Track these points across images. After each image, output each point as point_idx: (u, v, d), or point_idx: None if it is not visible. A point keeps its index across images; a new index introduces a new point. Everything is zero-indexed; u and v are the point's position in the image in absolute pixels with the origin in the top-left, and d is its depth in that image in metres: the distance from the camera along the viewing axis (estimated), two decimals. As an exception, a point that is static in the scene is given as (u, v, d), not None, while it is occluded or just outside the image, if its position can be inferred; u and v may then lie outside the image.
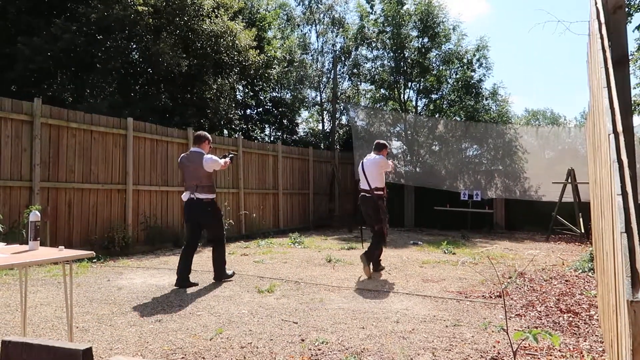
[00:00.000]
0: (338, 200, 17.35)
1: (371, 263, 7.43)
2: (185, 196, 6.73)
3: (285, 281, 6.97)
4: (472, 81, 18.70)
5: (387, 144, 7.75)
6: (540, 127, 19.22)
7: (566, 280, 7.09)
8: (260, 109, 20.20)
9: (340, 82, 21.09)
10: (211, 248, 7.13)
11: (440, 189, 16.91)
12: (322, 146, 21.05)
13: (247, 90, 19.39)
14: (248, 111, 20.01)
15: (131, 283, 6.80)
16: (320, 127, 23.41)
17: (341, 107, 21.18)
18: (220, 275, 6.97)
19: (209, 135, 6.96)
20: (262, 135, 20.88)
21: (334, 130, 19.53)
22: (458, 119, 19.26)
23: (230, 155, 7.18)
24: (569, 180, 13.30)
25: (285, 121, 20.43)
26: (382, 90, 20.13)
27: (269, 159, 14.74)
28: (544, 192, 15.28)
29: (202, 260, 8.92)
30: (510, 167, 16.44)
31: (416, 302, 5.84)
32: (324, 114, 22.21)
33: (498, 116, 19.41)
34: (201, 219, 6.74)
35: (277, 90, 20.63)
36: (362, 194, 7.55)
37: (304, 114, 26.18)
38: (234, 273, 7.33)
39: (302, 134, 22.77)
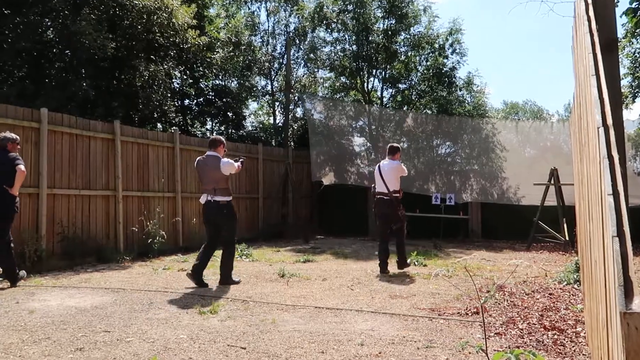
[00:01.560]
0: (292, 206, 17.35)
1: (398, 262, 9.30)
2: (203, 199, 8.10)
3: (231, 300, 6.92)
4: (445, 69, 19.07)
5: (400, 147, 9.73)
6: (520, 121, 19.80)
7: (550, 294, 7.29)
8: (201, 100, 19.96)
9: (294, 68, 21.11)
10: (221, 250, 8.32)
11: (409, 192, 17.16)
12: (273, 143, 21.05)
13: (185, 78, 19.11)
14: (186, 102, 19.75)
15: (45, 305, 6.59)
16: (271, 120, 23.39)
17: (295, 98, 21.19)
18: (226, 279, 8.13)
19: (223, 140, 8.32)
20: (203, 129, 20.69)
21: (287, 125, 19.52)
22: (429, 112, 19.62)
23: (241, 160, 8.51)
24: (552, 182, 13.73)
25: (230, 114, 20.27)
26: (343, 79, 20.30)
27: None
28: (524, 194, 15.75)
29: (168, 277, 8.73)
30: (487, 167, 16.86)
31: (383, 321, 5.88)
32: (276, 106, 22.16)
33: (473, 109, 19.88)
34: (218, 220, 8.07)
35: (220, 77, 20.43)
36: (379, 196, 9.30)
37: (253, 105, 26.15)
38: (240, 281, 8.37)
39: (250, 128, 22.71)
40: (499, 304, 6.71)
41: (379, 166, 9.38)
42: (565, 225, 13.33)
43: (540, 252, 13.13)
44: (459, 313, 6.25)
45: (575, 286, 7.76)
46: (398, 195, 9.26)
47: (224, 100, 19.99)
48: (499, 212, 16.51)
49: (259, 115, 25.79)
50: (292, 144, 20.18)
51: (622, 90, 15.48)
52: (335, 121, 18.65)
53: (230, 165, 8.05)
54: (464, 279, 8.55)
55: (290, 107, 20.38)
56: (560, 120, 41.21)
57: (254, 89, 21.50)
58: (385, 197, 9.28)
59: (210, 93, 20.20)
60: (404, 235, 9.34)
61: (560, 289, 7.69)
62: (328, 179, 18.07)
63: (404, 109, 19.53)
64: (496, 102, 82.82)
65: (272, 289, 7.77)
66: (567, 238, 13.18)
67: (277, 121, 22.25)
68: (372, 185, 9.63)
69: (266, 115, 25.19)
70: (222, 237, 8.21)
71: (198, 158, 8.28)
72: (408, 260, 9.64)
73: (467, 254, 12.47)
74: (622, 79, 16.16)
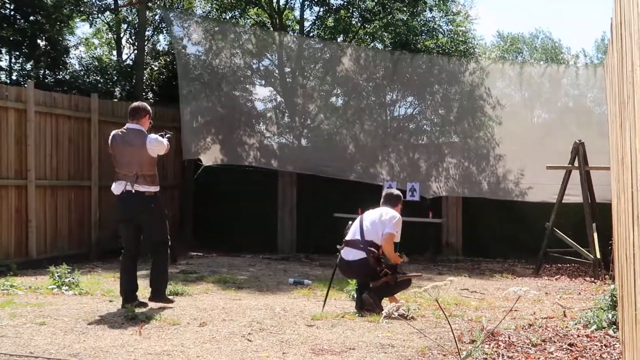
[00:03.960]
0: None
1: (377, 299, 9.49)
2: (118, 188, 9.08)
3: (40, 361, 6.74)
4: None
5: (401, 197, 10.46)
6: (525, 64, 20.29)
7: (570, 345, 7.47)
8: (-9, 17, 19.32)
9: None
10: (152, 256, 9.60)
11: (345, 179, 17.24)
12: (117, 93, 20.82)
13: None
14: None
15: None
16: (114, 56, 22.91)
17: (156, 18, 20.84)
18: (160, 294, 9.37)
19: (148, 107, 9.37)
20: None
21: (141, 64, 19.19)
22: (379, 46, 19.74)
23: (168, 136, 9.51)
24: (576, 164, 14.12)
25: (42, 42, 19.69)
26: (237, -12, 20.15)
27: (8, 117, 14.18)
28: (532, 184, 16.13)
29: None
30: (472, 138, 17.13)
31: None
32: (122, 31, 21.74)
33: (451, 43, 20.11)
34: (141, 217, 9.15)
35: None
36: (346, 250, 9.70)
37: (82, 29, 25.62)
38: (173, 300, 9.66)
39: (77, 68, 22.31)
40: (491, 362, 6.82)
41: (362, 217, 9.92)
42: (595, 235, 13.66)
43: (556, 277, 13.49)
44: (426, 378, 6.32)
45: (611, 332, 7.96)
46: (376, 252, 9.61)
47: (32, 19, 19.41)
48: (490, 213, 16.87)
49: (92, 47, 25.26)
50: (150, 96, 19.87)
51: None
52: (223, 58, 18.52)
53: (159, 144, 9.13)
54: (435, 322, 8.66)
55: (147, 34, 20.06)
56: (589, 65, 42.29)
57: (84, 0, 21.02)
58: (358, 258, 9.59)
59: (8, 5, 19.56)
60: (391, 288, 9.67)
61: (587, 336, 7.88)
62: (210, 157, 17.95)
63: (339, 40, 19.60)
64: (488, 33, 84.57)
65: (114, 340, 7.63)
66: (597, 255, 13.47)
67: (125, 58, 21.85)
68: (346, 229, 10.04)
69: (105, 46, 24.70)
70: (150, 239, 9.44)
71: (114, 132, 9.31)
72: (349, 289, 10.18)
73: (440, 279, 12.64)
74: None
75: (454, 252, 17.01)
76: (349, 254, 9.58)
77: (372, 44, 19.98)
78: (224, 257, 16.57)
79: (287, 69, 18.39)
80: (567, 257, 14.46)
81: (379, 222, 9.60)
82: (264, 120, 18.84)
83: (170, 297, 10.03)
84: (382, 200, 10.17)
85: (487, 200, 16.66)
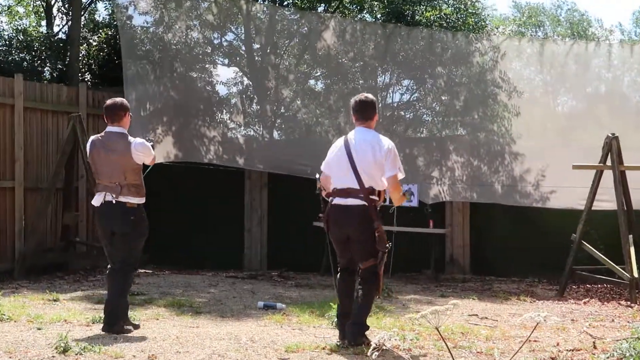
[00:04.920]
0: (86, 206, 17.05)
1: (354, 332, 9.26)
2: (97, 200, 9.73)
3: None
4: None
5: (376, 102, 10.13)
6: (547, 40, 20.27)
7: (602, 385, 7.51)
8: None
9: None
10: (114, 276, 9.98)
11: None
12: (47, 73, 20.82)
13: None
14: None
15: None
16: (43, 28, 22.81)
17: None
18: (116, 321, 9.76)
19: (126, 102, 10.09)
20: None
21: (77, 38, 19.12)
22: (369, 18, 19.71)
23: (151, 143, 10.18)
24: (608, 162, 14.15)
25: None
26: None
27: None
28: (554, 187, 16.15)
29: None
30: (483, 132, 17.15)
31: None
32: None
33: (457, 15, 20.14)
34: (119, 230, 9.72)
35: None
36: (338, 200, 9.43)
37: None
38: (139, 325, 10.16)
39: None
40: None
41: (345, 141, 9.48)
42: (632, 250, 13.68)
43: (584, 301, 13.53)
44: None
45: (653, 368, 7.99)
46: (377, 199, 9.39)
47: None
48: (504, 222, 16.93)
49: (16, 16, 25.19)
50: (87, 77, 19.83)
51: None
52: (177, 33, 18.47)
53: (146, 150, 9.80)
54: (436, 355, 8.69)
55: (84, 1, 20.01)
56: (626, 42, 42.38)
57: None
58: (353, 203, 9.33)
59: None
60: (379, 280, 9.47)
61: (622, 374, 7.91)
62: (161, 152, 17.87)
63: (319, 10, 19.60)
64: (502, 2, 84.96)
65: (41, 378, 7.60)
66: (635, 274, 13.47)
67: (57, 30, 21.78)
68: (318, 175, 9.86)
69: (32, 16, 24.65)
70: (121, 255, 9.89)
71: (92, 138, 10.02)
72: (331, 315, 10.14)
73: (442, 302, 12.64)
74: None
75: (460, 269, 17.07)
76: (346, 200, 9.35)
77: (360, 15, 19.99)
78: (178, 275, 16.56)
79: (256, 46, 18.38)
80: (598, 275, 14.49)
81: (373, 164, 9.28)
82: (227, 108, 18.89)
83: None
84: (355, 115, 9.64)
85: (500, 206, 16.73)
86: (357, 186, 9.20)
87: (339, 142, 9.55)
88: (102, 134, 9.80)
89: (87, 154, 15.79)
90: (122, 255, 9.87)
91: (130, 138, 9.73)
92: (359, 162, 9.21)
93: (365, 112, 9.53)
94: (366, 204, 9.15)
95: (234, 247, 18.17)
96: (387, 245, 9.28)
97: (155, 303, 12.72)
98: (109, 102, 9.85)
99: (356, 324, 9.22)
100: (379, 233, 9.18)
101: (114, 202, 9.57)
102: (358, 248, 9.34)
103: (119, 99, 9.97)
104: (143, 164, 10.05)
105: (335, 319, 10.22)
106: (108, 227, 9.82)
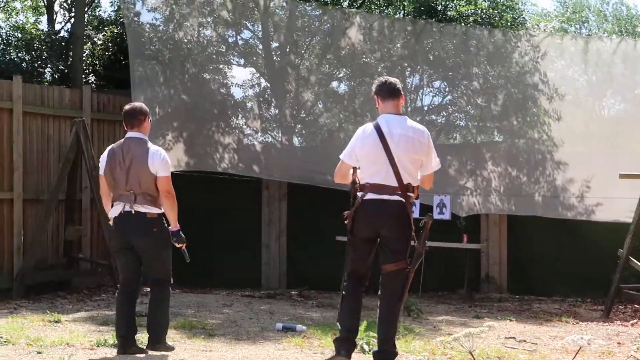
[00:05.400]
0: (91, 218, 17.29)
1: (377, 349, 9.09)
2: (115, 211, 9.79)
3: None
4: None
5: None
6: (592, 38, 20.23)
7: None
8: None
9: None
10: (150, 294, 10.19)
11: (345, 189, 17.33)
12: (48, 75, 20.92)
13: None
14: None
15: None
16: (43, 25, 22.99)
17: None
18: (159, 338, 9.91)
19: (145, 107, 10.19)
20: None
21: (80, 36, 19.26)
22: (397, 14, 19.77)
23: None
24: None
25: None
26: None
27: None
28: (601, 199, 16.24)
29: None
30: (522, 138, 17.21)
31: None
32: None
33: (493, 10, 20.18)
34: (141, 244, 9.82)
35: None
36: (372, 195, 9.11)
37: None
38: (174, 347, 10.23)
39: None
40: None
41: (378, 130, 9.10)
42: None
43: (632, 322, 13.54)
44: None
45: None
46: (412, 196, 9.25)
47: None
48: (545, 236, 16.94)
49: (13, 12, 25.33)
50: (92, 79, 20.00)
51: None
52: (189, 31, 18.56)
53: (164, 165, 9.82)
54: (469, 381, 8.76)
55: (88, -3, 20.17)
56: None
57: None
58: (393, 199, 9.13)
59: None
60: (407, 284, 9.33)
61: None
62: (172, 161, 17.85)
63: (344, 6, 19.70)
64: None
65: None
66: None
67: (59, 28, 21.96)
68: (352, 168, 9.48)
69: (31, 12, 24.82)
70: (151, 272, 10.07)
71: (111, 146, 10.02)
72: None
73: (476, 324, 12.71)
74: None
75: (497, 288, 17.11)
76: (381, 195, 9.06)
77: (387, 11, 20.11)
78: (190, 294, 16.52)
79: (275, 44, 18.48)
80: (650, 295, 14.51)
81: (414, 160, 9.16)
82: (243, 113, 18.93)
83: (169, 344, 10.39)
84: (382, 95, 9.33)
85: (540, 219, 16.74)
86: (395, 184, 8.99)
87: (367, 129, 9.17)
88: (122, 140, 9.95)
89: (92, 162, 16.10)
90: (155, 270, 10.08)
91: (149, 144, 9.85)
92: (398, 157, 8.96)
93: (394, 91, 9.26)
94: (404, 200, 9.01)
95: (250, 264, 18.26)
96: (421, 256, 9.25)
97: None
98: (127, 107, 10.02)
99: (387, 352, 8.98)
100: (419, 247, 9.18)
101: (132, 212, 9.63)
102: (390, 247, 9.12)
103: (137, 104, 10.26)
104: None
105: (363, 343, 10.22)
106: (125, 240, 9.87)
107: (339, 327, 9.19)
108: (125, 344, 9.75)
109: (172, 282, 10.31)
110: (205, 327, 12.59)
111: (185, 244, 10.43)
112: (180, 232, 10.25)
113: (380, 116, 9.27)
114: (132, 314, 9.93)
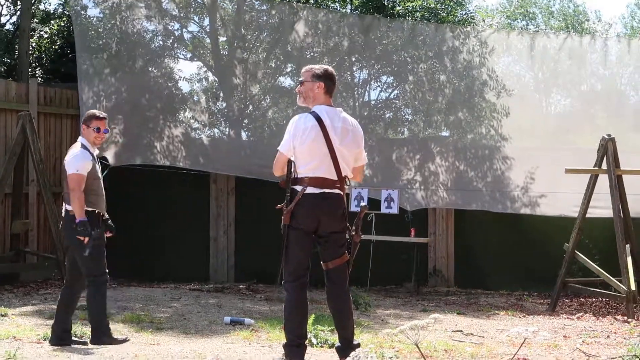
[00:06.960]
0: (38, 212, 17.24)
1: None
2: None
3: None
4: None
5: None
6: (538, 34, 20.30)
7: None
8: None
9: None
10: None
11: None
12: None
13: None
14: None
15: None
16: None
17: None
18: (99, 334, 10.14)
19: (91, 113, 10.46)
20: None
21: (26, 29, 19.16)
22: (343, 9, 19.75)
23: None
24: (604, 166, 14.26)
25: None
26: None
27: None
28: (545, 192, 16.37)
29: None
30: (468, 133, 17.25)
31: None
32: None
33: (441, 5, 20.20)
34: (70, 242, 10.09)
35: None
36: (312, 190, 8.95)
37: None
38: (127, 339, 10.49)
39: None
40: None
41: (319, 122, 8.84)
42: (629, 260, 13.79)
43: (578, 315, 13.63)
44: None
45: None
46: (346, 187, 9.35)
47: None
48: (491, 230, 17.04)
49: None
50: (38, 72, 19.86)
51: None
52: (136, 24, 18.45)
53: (68, 164, 10.02)
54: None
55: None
56: (623, 36, 42.40)
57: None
58: (334, 193, 9.08)
59: None
60: (346, 280, 9.22)
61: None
62: (119, 154, 17.85)
63: (292, 0, 19.66)
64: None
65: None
66: (632, 287, 13.58)
67: (4, 21, 21.82)
68: (289, 160, 9.16)
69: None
70: (82, 268, 10.16)
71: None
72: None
73: (423, 317, 12.68)
74: None
75: (444, 281, 17.15)
76: (322, 190, 8.96)
77: (335, 5, 20.07)
78: (137, 288, 16.51)
79: (222, 38, 18.40)
80: (592, 288, 14.56)
81: (353, 153, 9.14)
82: (190, 106, 18.89)
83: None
84: (327, 87, 9.03)
85: (488, 214, 16.84)
86: (335, 177, 8.94)
87: (308, 123, 8.81)
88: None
89: (38, 156, 16.05)
90: (82, 269, 10.09)
91: (74, 145, 10.33)
92: (340, 151, 8.89)
93: (334, 86, 9.21)
94: (341, 193, 9.05)
95: (198, 258, 18.22)
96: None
97: (112, 318, 12.53)
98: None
99: (357, 344, 9.07)
100: (355, 237, 9.15)
101: (63, 211, 10.19)
102: (333, 242, 9.05)
103: (91, 111, 10.82)
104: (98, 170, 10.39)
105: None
106: (65, 238, 10.35)
107: (288, 335, 8.88)
108: (60, 337, 10.07)
109: (104, 277, 10.32)
110: (153, 321, 12.57)
111: (87, 237, 9.90)
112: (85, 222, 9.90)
113: (317, 107, 8.99)
114: (67, 309, 10.23)
